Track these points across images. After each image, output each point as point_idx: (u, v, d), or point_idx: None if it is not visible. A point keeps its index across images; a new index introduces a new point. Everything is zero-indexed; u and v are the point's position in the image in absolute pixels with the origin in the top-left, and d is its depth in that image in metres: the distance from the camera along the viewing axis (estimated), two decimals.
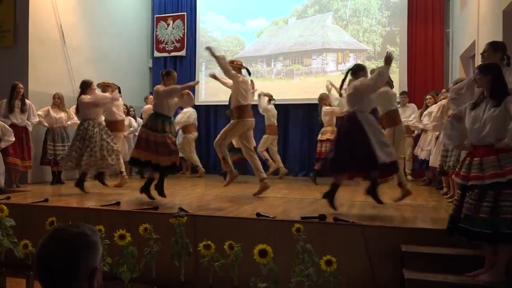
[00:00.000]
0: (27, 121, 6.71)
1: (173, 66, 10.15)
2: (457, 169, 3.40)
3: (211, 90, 9.62)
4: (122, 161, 6.77)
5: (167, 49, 10.25)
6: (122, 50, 9.42)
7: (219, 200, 5.47)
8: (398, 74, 8.64)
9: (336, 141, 4.64)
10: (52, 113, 7.11)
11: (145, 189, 5.33)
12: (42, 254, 1.30)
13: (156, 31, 10.35)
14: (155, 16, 10.40)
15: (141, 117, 9.11)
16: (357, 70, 4.70)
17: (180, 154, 7.33)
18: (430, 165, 6.39)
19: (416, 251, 3.62)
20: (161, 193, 5.28)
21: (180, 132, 8.75)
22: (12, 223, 3.85)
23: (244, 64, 6.29)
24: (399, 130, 5.28)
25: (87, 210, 4.71)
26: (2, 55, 7.25)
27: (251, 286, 3.06)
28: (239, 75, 5.87)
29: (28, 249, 3.68)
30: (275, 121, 8.46)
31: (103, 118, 6.61)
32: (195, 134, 8.81)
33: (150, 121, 5.33)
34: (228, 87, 6.12)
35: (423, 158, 6.81)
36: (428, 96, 6.97)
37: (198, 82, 6.49)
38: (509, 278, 3.14)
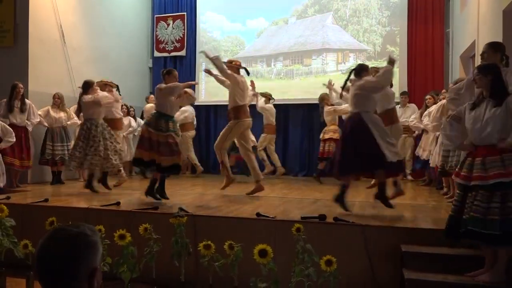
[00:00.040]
0: (26, 121, 6.71)
1: (173, 66, 10.13)
2: (457, 169, 3.39)
3: (211, 90, 9.62)
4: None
5: (167, 49, 10.25)
6: (122, 50, 9.42)
7: (219, 200, 5.47)
8: (398, 74, 8.64)
9: (341, 142, 4.60)
10: (52, 113, 7.11)
11: (150, 192, 5.28)
12: (42, 254, 1.30)
13: (156, 31, 10.35)
14: (155, 16, 10.40)
15: (141, 117, 9.11)
16: (361, 70, 4.68)
17: None
18: (431, 165, 6.39)
19: (416, 251, 3.62)
20: (163, 195, 5.26)
21: None
22: (12, 223, 3.85)
23: (244, 64, 6.29)
24: (396, 129, 5.29)
25: (87, 210, 4.71)
26: (2, 55, 7.25)
27: (251, 286, 3.06)
28: (235, 75, 5.86)
29: (28, 249, 3.68)
30: (274, 120, 8.48)
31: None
32: (192, 132, 8.80)
33: (153, 121, 5.27)
34: (225, 86, 6.11)
35: (425, 159, 6.79)
36: (427, 96, 6.97)
37: (197, 83, 6.49)
38: (509, 278, 3.14)
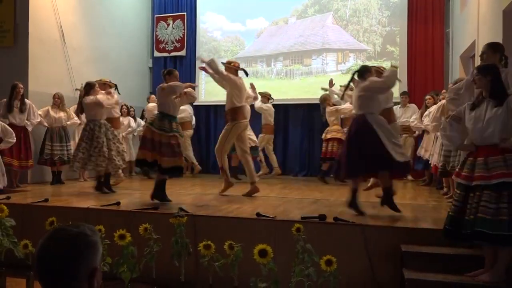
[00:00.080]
0: (26, 121, 6.70)
1: (173, 66, 10.13)
2: (457, 170, 3.39)
3: (211, 90, 9.61)
4: None
5: (167, 49, 10.25)
6: (122, 50, 9.42)
7: (219, 200, 5.47)
8: (398, 74, 8.62)
9: (347, 144, 4.55)
10: (51, 113, 7.11)
11: (156, 194, 5.22)
12: (42, 254, 1.30)
13: (156, 31, 10.35)
14: (155, 16, 10.40)
15: (141, 117, 9.11)
16: (364, 72, 4.66)
17: None
18: (431, 164, 6.39)
19: (416, 251, 3.62)
20: (164, 198, 5.22)
21: None
22: (12, 223, 3.85)
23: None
24: (393, 128, 5.29)
25: (87, 210, 4.71)
26: (2, 55, 7.25)
27: (251, 286, 3.06)
28: (232, 76, 5.85)
29: (28, 249, 3.68)
30: (272, 120, 8.48)
31: None
32: (190, 131, 8.79)
33: (157, 121, 5.20)
34: (223, 87, 6.10)
35: (427, 159, 6.77)
36: (427, 97, 6.96)
37: (197, 85, 6.47)
38: (509, 278, 3.14)
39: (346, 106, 7.23)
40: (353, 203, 4.47)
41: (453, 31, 8.44)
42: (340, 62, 9.12)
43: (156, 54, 10.34)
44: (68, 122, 7.24)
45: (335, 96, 7.54)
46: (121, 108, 8.14)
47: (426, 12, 8.71)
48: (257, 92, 8.07)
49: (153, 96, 8.41)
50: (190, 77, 9.62)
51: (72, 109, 7.39)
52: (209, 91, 9.79)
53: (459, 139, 3.40)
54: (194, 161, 8.63)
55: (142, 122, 8.89)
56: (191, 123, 8.92)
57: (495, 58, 3.75)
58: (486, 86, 3.23)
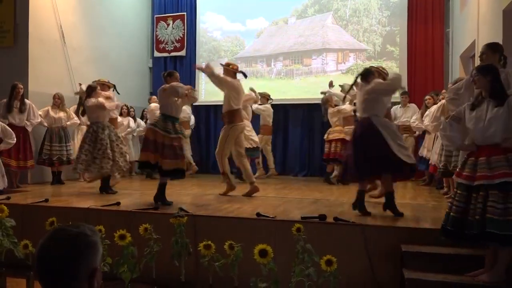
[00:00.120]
0: (26, 121, 6.70)
1: (173, 66, 10.14)
2: (458, 170, 3.38)
3: (211, 90, 9.58)
4: None
5: (167, 49, 10.25)
6: (122, 50, 9.42)
7: (219, 200, 5.47)
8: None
9: (353, 148, 4.52)
10: (51, 113, 7.11)
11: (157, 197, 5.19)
12: (42, 254, 1.30)
13: (156, 31, 10.35)
14: (155, 16, 10.40)
15: (141, 117, 9.11)
16: (368, 75, 4.64)
17: None
18: (430, 164, 6.38)
19: (416, 251, 3.62)
20: (164, 201, 5.13)
21: None
22: (12, 223, 3.85)
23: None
24: None
25: (87, 210, 4.71)
26: (2, 55, 7.25)
27: (251, 286, 3.06)
28: (229, 79, 5.83)
29: (28, 249, 3.68)
30: (270, 121, 8.48)
31: None
32: (188, 131, 8.78)
33: (161, 123, 5.15)
34: (220, 89, 6.08)
35: (429, 159, 6.76)
36: (427, 97, 6.96)
37: (196, 91, 6.42)
38: (509, 278, 3.14)
39: (347, 106, 7.25)
40: (361, 206, 4.48)
41: (453, 31, 8.44)
42: (340, 62, 9.12)
43: (156, 54, 10.34)
44: (68, 122, 7.23)
45: (335, 98, 7.55)
46: (121, 109, 8.14)
47: (426, 12, 8.71)
48: (257, 94, 8.09)
49: (154, 97, 8.40)
50: (190, 77, 9.63)
51: (72, 109, 7.39)
52: (209, 91, 9.79)
53: (459, 139, 3.40)
54: (191, 161, 8.63)
55: (142, 123, 8.89)
56: (189, 123, 8.91)
57: (494, 58, 3.76)
58: (486, 86, 3.23)
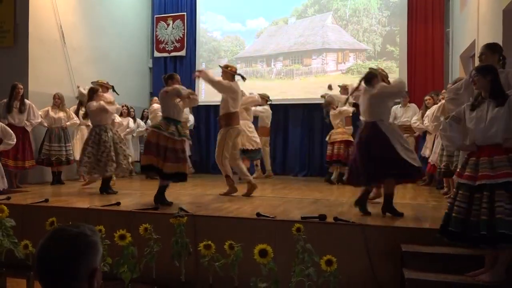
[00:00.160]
0: (26, 122, 6.70)
1: (173, 66, 10.15)
2: (458, 170, 3.38)
3: (211, 90, 9.54)
4: None
5: (167, 49, 10.25)
6: (122, 50, 9.42)
7: (219, 200, 5.47)
8: (398, 74, 8.64)
9: (359, 151, 4.49)
10: (51, 113, 7.11)
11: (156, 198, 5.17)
12: (42, 255, 1.30)
13: (156, 31, 10.35)
14: (155, 16, 10.40)
15: (141, 118, 9.11)
16: (371, 78, 4.62)
17: None
18: (430, 163, 6.38)
19: (416, 251, 3.62)
20: (163, 202, 5.10)
21: None
22: (12, 224, 3.85)
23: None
24: None
25: (87, 210, 4.71)
26: (2, 55, 7.25)
27: (251, 286, 3.06)
28: (224, 83, 5.82)
29: (28, 250, 3.68)
30: (269, 123, 8.48)
31: None
32: (185, 132, 8.77)
33: (164, 126, 5.09)
34: (218, 91, 6.08)
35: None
36: (427, 97, 6.95)
37: (197, 97, 6.36)
38: (509, 278, 3.14)
39: (347, 108, 7.26)
40: (362, 203, 4.49)
41: (453, 30, 8.44)
42: (340, 62, 9.12)
43: (156, 54, 10.35)
44: (68, 123, 7.23)
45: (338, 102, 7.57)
46: (122, 109, 8.14)
47: (426, 12, 8.71)
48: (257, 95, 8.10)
49: (155, 98, 8.40)
50: (190, 77, 9.59)
51: (72, 109, 7.39)
52: (209, 91, 9.76)
53: (459, 139, 3.40)
54: (188, 161, 8.61)
55: (142, 123, 8.89)
56: (187, 124, 8.90)
57: (493, 58, 3.76)
58: (486, 87, 3.23)
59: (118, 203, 4.85)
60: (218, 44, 10.03)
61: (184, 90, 5.25)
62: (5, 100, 6.62)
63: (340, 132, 7.47)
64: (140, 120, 8.96)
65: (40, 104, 7.07)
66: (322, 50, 9.22)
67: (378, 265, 3.78)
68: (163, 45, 10.28)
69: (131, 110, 8.69)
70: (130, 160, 6.38)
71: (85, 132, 7.48)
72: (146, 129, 8.26)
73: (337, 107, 7.61)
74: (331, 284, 2.99)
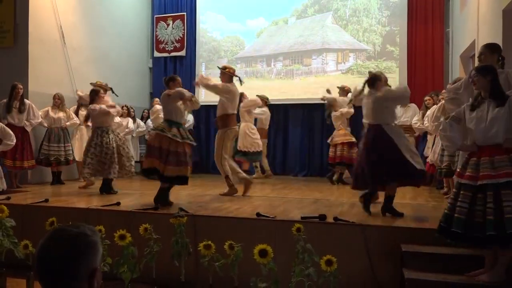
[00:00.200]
0: (25, 122, 6.70)
1: (173, 66, 10.15)
2: (459, 170, 3.37)
3: None
4: None
5: (167, 49, 10.25)
6: (122, 50, 9.42)
7: (219, 200, 5.47)
8: (398, 74, 8.65)
9: (365, 155, 4.47)
10: (51, 113, 7.11)
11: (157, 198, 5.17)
12: (42, 255, 1.30)
13: (156, 31, 10.35)
14: (155, 16, 10.40)
15: (141, 118, 9.10)
16: (375, 81, 4.63)
17: None
18: (429, 163, 6.37)
19: (416, 251, 3.62)
20: (165, 202, 5.09)
21: None
22: (12, 224, 3.85)
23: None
24: None
25: (87, 210, 4.71)
26: (2, 55, 7.25)
27: (251, 286, 3.06)
28: (221, 87, 5.82)
29: (28, 250, 3.68)
30: (267, 125, 8.48)
31: None
32: None
33: (167, 128, 5.05)
34: (215, 93, 6.07)
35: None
36: (427, 98, 6.94)
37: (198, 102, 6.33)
38: (509, 278, 3.14)
39: (348, 109, 7.27)
40: (365, 205, 4.50)
41: (453, 30, 8.44)
42: (340, 62, 9.12)
43: (156, 54, 10.35)
44: (68, 123, 7.23)
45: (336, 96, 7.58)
46: (122, 109, 8.13)
47: (426, 12, 8.71)
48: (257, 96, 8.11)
49: (157, 99, 8.39)
50: (190, 77, 9.62)
51: (72, 110, 7.39)
52: (209, 92, 9.77)
53: (459, 139, 3.40)
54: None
55: (142, 123, 8.89)
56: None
57: (493, 59, 3.76)
58: (486, 87, 3.23)
59: (118, 203, 4.85)
60: (218, 44, 10.03)
61: (187, 92, 5.23)
62: (5, 100, 6.62)
63: (342, 134, 7.47)
64: (140, 120, 8.96)
65: (40, 104, 7.07)
66: (322, 50, 9.22)
67: (378, 265, 3.78)
68: (163, 45, 10.28)
69: (131, 110, 8.69)
70: (133, 162, 6.38)
71: (84, 132, 7.50)
72: (149, 131, 8.25)
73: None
74: (331, 284, 2.99)
